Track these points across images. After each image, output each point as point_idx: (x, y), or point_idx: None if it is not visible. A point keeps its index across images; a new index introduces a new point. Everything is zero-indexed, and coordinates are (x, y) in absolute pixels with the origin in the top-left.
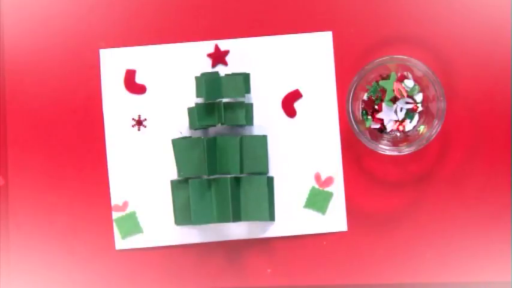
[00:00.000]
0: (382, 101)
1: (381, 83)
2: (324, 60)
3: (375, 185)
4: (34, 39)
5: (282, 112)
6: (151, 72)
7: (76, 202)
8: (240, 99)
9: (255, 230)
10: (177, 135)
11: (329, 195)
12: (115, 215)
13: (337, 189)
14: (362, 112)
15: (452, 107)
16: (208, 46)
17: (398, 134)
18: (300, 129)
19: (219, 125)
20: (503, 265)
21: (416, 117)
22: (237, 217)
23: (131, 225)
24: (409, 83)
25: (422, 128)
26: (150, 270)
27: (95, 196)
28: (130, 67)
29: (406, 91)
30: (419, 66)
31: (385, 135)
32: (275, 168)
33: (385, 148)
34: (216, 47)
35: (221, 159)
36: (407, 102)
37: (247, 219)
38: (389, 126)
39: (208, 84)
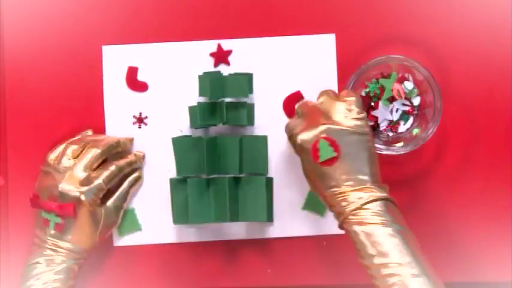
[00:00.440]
0: (379, 99)
1: (381, 81)
2: (326, 63)
3: None
4: (34, 38)
5: (283, 113)
6: (154, 70)
7: None
8: (243, 99)
9: (254, 230)
10: (178, 134)
11: None
12: None
13: None
14: None
15: (451, 106)
16: (211, 45)
17: (390, 134)
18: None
19: (220, 124)
20: (503, 265)
21: (410, 120)
22: (234, 217)
23: (130, 222)
24: (409, 85)
25: (416, 131)
26: (148, 268)
27: None
28: (133, 64)
29: (405, 92)
30: (421, 70)
31: (377, 134)
32: (275, 169)
33: (381, 147)
34: (219, 47)
35: (221, 159)
36: (403, 104)
37: (245, 219)
38: (383, 125)
39: (212, 83)
